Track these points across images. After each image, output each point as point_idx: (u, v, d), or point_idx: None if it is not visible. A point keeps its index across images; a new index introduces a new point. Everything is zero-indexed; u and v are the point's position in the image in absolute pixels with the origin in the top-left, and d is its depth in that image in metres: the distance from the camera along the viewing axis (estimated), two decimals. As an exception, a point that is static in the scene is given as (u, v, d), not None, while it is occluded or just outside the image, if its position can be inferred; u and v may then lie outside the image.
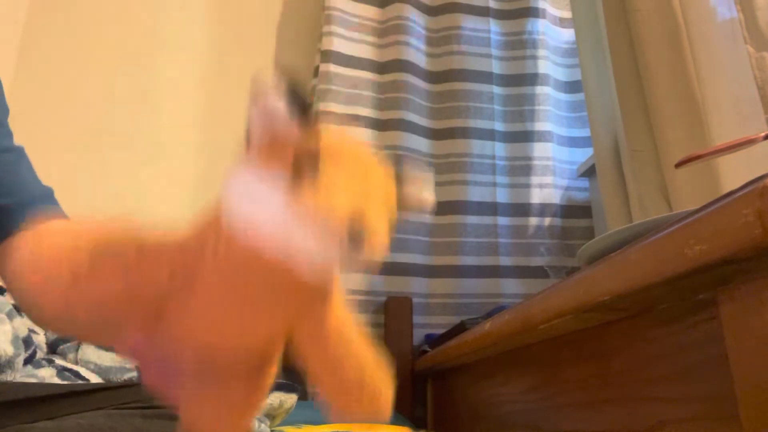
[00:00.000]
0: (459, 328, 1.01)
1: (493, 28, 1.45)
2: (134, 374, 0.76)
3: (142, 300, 0.23)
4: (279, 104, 0.19)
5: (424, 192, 0.23)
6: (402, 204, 0.23)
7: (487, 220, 1.32)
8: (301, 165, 0.20)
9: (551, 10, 1.50)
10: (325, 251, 0.19)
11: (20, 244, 0.51)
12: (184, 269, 0.22)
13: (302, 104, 0.20)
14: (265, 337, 0.24)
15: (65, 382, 0.69)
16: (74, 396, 0.50)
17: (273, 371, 0.27)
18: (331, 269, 0.21)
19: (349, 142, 0.22)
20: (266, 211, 0.20)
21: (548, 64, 1.43)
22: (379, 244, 0.20)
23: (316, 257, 0.20)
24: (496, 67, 1.42)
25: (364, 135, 1.32)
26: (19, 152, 0.59)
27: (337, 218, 0.19)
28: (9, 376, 0.65)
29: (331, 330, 0.24)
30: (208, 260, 0.22)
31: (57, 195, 0.62)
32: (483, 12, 1.45)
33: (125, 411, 0.47)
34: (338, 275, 0.22)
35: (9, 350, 0.62)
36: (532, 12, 1.45)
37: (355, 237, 0.19)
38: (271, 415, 0.79)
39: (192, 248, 0.22)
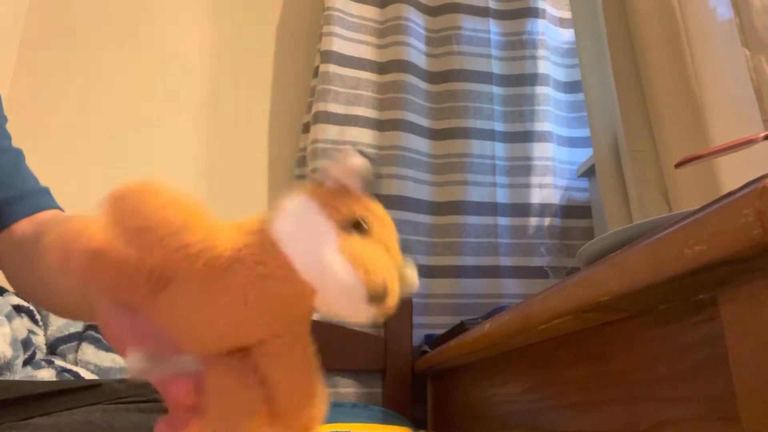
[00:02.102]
0: (459, 329, 1.01)
1: (493, 28, 1.45)
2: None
3: (152, 267, 0.25)
4: (356, 166, 0.24)
5: (412, 273, 0.27)
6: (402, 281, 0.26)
7: (487, 220, 1.32)
8: (351, 223, 0.24)
9: (551, 11, 1.50)
10: (352, 295, 0.23)
11: (18, 232, 0.53)
12: (218, 258, 0.24)
13: (371, 180, 0.24)
14: (242, 341, 0.26)
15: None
16: (70, 392, 0.50)
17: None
18: (348, 309, 0.24)
19: (387, 218, 0.26)
20: (315, 241, 0.23)
21: (548, 65, 1.43)
22: (391, 308, 0.23)
23: (343, 295, 0.23)
24: (495, 68, 1.42)
25: (363, 135, 1.32)
26: (17, 153, 0.61)
27: (371, 277, 0.22)
28: (8, 378, 0.65)
29: (299, 355, 0.27)
30: (245, 260, 0.24)
31: (58, 187, 0.62)
32: (483, 12, 1.45)
33: (121, 405, 0.48)
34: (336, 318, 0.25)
35: (8, 352, 0.62)
36: (532, 12, 1.45)
37: (376, 297, 0.23)
38: (270, 416, 0.79)
39: (225, 244, 0.25)
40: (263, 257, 0.24)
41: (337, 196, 0.24)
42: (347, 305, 0.23)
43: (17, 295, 0.83)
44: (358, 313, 0.23)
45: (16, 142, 0.64)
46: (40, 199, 0.58)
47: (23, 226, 0.54)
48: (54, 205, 0.58)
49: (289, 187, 0.25)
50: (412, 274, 0.27)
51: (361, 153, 0.25)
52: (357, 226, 0.24)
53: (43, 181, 0.62)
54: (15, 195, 0.55)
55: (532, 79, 1.41)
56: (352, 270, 0.22)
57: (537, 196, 1.34)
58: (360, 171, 0.24)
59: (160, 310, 0.26)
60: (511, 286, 1.29)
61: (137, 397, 0.49)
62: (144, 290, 0.26)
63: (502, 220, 1.33)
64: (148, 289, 0.26)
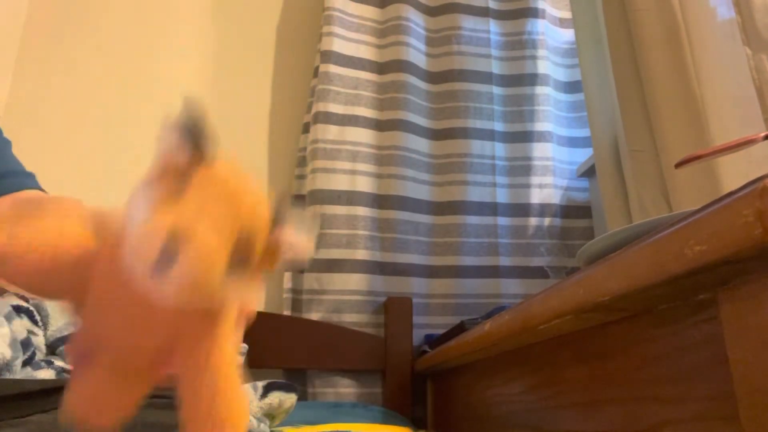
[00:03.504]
0: (459, 329, 1.01)
1: (493, 28, 1.45)
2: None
3: (65, 281, 0.26)
4: (174, 136, 0.23)
5: (301, 236, 0.25)
6: (276, 242, 0.25)
7: (487, 220, 1.32)
8: (174, 187, 0.22)
9: (551, 11, 1.50)
10: (143, 262, 0.22)
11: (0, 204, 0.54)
12: (92, 266, 0.25)
13: (198, 135, 0.23)
14: (145, 345, 0.26)
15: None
16: None
17: (161, 375, 0.28)
18: (154, 279, 0.22)
19: (230, 173, 0.24)
20: (132, 226, 0.22)
21: (548, 65, 1.43)
22: (199, 264, 0.21)
23: (138, 267, 0.22)
24: (495, 68, 1.42)
25: (363, 135, 1.32)
26: (6, 142, 0.62)
27: (156, 233, 0.21)
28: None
29: (213, 363, 0.26)
30: (96, 265, 0.25)
31: (58, 188, 0.63)
32: (483, 12, 1.45)
33: None
34: (171, 289, 0.23)
35: (7, 353, 0.62)
36: (532, 12, 1.45)
37: (169, 253, 0.21)
38: (270, 415, 0.79)
39: (97, 252, 0.25)
40: (117, 252, 0.24)
41: (169, 171, 0.23)
42: (141, 274, 0.22)
43: (17, 295, 0.83)
44: (155, 279, 0.22)
45: (15, 142, 0.65)
46: (23, 179, 0.59)
47: (4, 201, 0.55)
48: (37, 187, 0.60)
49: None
50: (300, 236, 0.25)
51: (188, 120, 0.23)
52: (170, 192, 0.23)
53: (41, 179, 0.63)
54: (1, 172, 0.57)
55: (532, 79, 1.41)
56: (144, 235, 0.22)
57: (537, 196, 1.34)
58: (184, 141, 0.23)
59: (83, 321, 0.27)
60: (511, 286, 1.29)
61: None
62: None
63: (502, 220, 1.33)
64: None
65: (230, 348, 0.27)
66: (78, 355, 0.28)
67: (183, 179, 0.23)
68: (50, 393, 0.50)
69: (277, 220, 0.25)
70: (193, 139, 0.23)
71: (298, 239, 0.25)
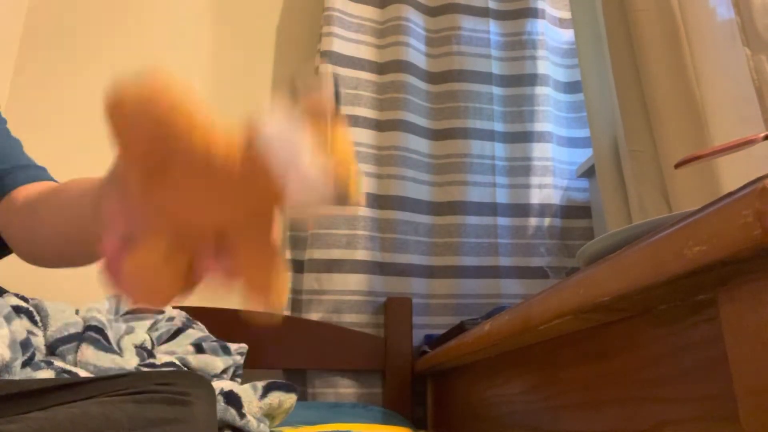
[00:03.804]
0: (458, 329, 1.01)
1: (493, 28, 1.45)
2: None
3: (138, 155, 0.28)
4: (323, 88, 0.28)
5: (360, 190, 0.31)
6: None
7: (486, 220, 1.32)
8: (327, 128, 0.28)
9: (551, 11, 1.50)
10: (316, 185, 0.26)
11: (20, 198, 0.55)
12: (200, 149, 0.28)
13: (336, 95, 0.28)
14: (227, 221, 0.30)
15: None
16: (67, 388, 0.51)
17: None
18: (311, 199, 0.27)
19: (349, 138, 0.30)
20: (289, 142, 0.27)
21: (548, 65, 1.43)
22: (354, 197, 0.27)
23: (306, 186, 0.27)
24: (495, 68, 1.42)
25: (362, 135, 1.32)
26: (16, 141, 0.65)
27: (334, 169, 0.27)
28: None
29: (268, 235, 0.30)
30: (229, 154, 0.28)
31: None
32: (482, 12, 1.45)
33: (116, 398, 0.48)
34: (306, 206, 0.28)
35: (6, 354, 0.62)
36: (532, 12, 1.45)
37: (339, 186, 0.27)
38: (270, 415, 0.79)
39: (217, 138, 0.28)
40: (249, 155, 0.27)
41: (311, 113, 0.28)
42: (315, 201, 0.27)
43: (16, 295, 0.83)
44: (321, 208, 0.27)
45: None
46: (41, 172, 0.61)
47: (26, 191, 0.56)
48: (53, 180, 0.61)
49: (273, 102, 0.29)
50: (359, 190, 0.31)
51: (334, 79, 0.29)
52: (321, 131, 0.27)
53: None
54: (14, 165, 0.59)
55: (532, 79, 1.41)
56: (322, 171, 0.26)
57: (537, 197, 1.34)
58: (332, 96, 0.28)
59: (151, 190, 0.29)
60: (511, 287, 1.29)
61: (133, 389, 0.49)
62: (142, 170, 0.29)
63: (502, 221, 1.33)
64: (144, 172, 0.29)
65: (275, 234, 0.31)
66: (130, 230, 0.29)
67: (324, 121, 0.28)
68: (49, 392, 0.50)
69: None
70: (335, 95, 0.28)
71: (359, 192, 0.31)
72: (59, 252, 0.52)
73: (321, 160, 0.27)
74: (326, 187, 0.27)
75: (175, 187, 0.28)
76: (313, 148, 0.27)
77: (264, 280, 0.30)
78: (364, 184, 0.32)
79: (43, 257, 0.54)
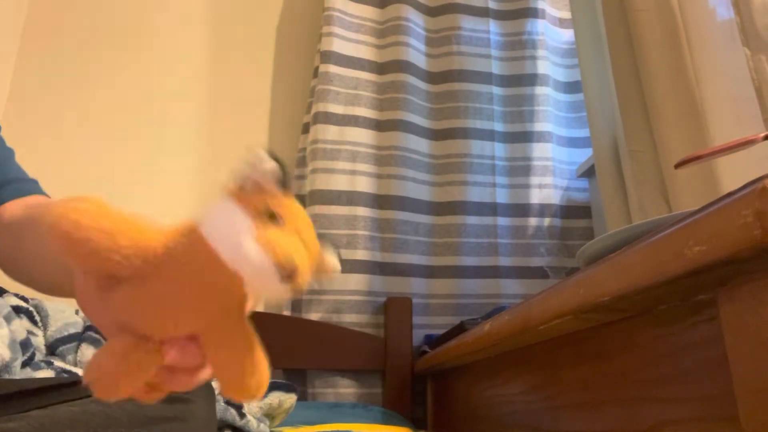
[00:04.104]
0: (458, 329, 1.01)
1: (493, 28, 1.45)
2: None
3: (106, 265, 0.29)
4: (268, 169, 0.28)
5: (333, 259, 0.32)
6: (320, 265, 0.31)
7: (486, 220, 1.32)
8: (267, 215, 0.27)
9: (551, 11, 1.50)
10: (265, 275, 0.26)
11: (7, 214, 0.55)
12: (153, 257, 0.28)
13: (283, 176, 0.28)
14: (193, 326, 0.30)
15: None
16: (67, 387, 0.51)
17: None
18: (265, 288, 0.27)
19: (302, 212, 0.30)
20: (234, 233, 0.27)
21: (548, 65, 1.43)
22: (302, 285, 0.27)
23: (258, 276, 0.27)
24: (495, 68, 1.42)
25: (362, 135, 1.32)
26: (9, 150, 0.63)
27: (280, 257, 0.26)
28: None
29: (239, 340, 0.31)
30: (177, 257, 0.28)
31: (57, 189, 0.64)
32: (482, 12, 1.45)
33: None
34: (278, 296, 0.28)
35: (6, 354, 0.62)
36: (532, 12, 1.45)
37: (286, 275, 0.26)
38: (270, 415, 0.79)
39: (165, 244, 0.29)
40: (193, 253, 0.28)
41: (254, 195, 0.28)
42: (263, 284, 0.27)
43: (16, 295, 0.83)
44: (274, 291, 0.27)
45: (15, 143, 0.65)
46: (29, 185, 0.61)
47: (12, 208, 0.56)
48: (43, 193, 0.61)
49: (214, 193, 0.29)
50: (333, 259, 0.32)
51: (272, 156, 0.28)
52: (271, 217, 0.27)
53: (41, 180, 0.63)
54: (3, 180, 0.58)
55: (532, 79, 1.41)
56: (263, 252, 0.26)
57: (537, 197, 1.34)
58: (272, 172, 0.28)
59: (118, 301, 0.30)
60: (511, 286, 1.29)
61: None
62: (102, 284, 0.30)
63: (502, 221, 1.33)
64: (101, 287, 0.30)
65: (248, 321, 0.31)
66: (113, 327, 0.30)
67: (268, 204, 0.28)
68: (48, 390, 0.51)
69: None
70: (281, 171, 0.28)
71: (333, 262, 0.32)
72: (48, 281, 0.51)
73: (263, 241, 0.27)
74: (270, 267, 0.26)
75: (132, 295, 0.29)
76: (255, 232, 0.27)
77: (238, 374, 0.31)
78: (332, 254, 0.32)
79: (30, 281, 0.54)
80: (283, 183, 0.28)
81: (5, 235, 0.55)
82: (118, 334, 0.30)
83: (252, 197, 0.28)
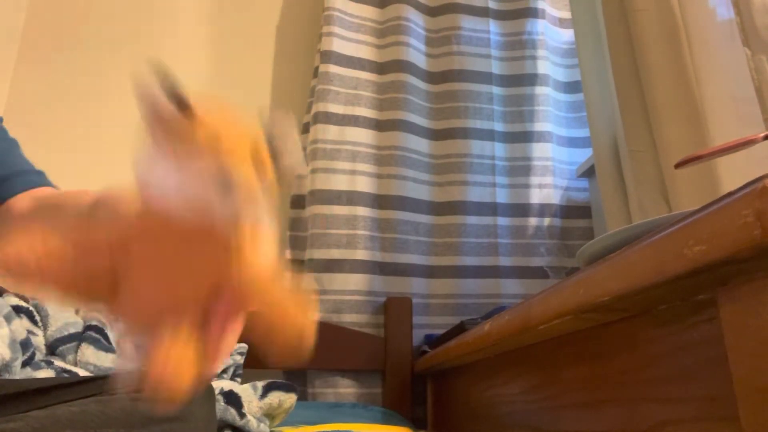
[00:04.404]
0: (458, 329, 1.01)
1: (493, 28, 1.45)
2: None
3: (96, 279, 0.27)
4: (158, 96, 0.25)
5: (291, 150, 0.28)
6: (274, 159, 0.27)
7: (486, 220, 1.32)
8: (183, 136, 0.25)
9: (551, 11, 1.50)
10: (206, 197, 0.24)
11: (16, 207, 0.54)
12: (120, 245, 0.27)
13: (174, 89, 0.25)
14: (202, 286, 0.27)
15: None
16: (66, 387, 0.51)
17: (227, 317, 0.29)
18: (217, 211, 0.25)
19: (220, 112, 0.27)
20: (161, 177, 0.25)
21: (548, 65, 1.43)
22: (248, 191, 0.24)
23: (201, 204, 0.24)
24: (495, 68, 1.42)
25: (363, 135, 1.32)
26: (12, 141, 0.63)
27: (208, 171, 0.24)
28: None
29: (252, 276, 0.27)
30: (134, 232, 0.26)
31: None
32: (482, 12, 1.45)
33: (116, 396, 0.48)
34: (232, 219, 0.25)
35: (6, 354, 0.62)
36: (532, 12, 1.45)
37: (226, 184, 0.24)
38: (270, 415, 0.79)
39: (121, 223, 0.27)
40: (143, 219, 0.26)
41: (161, 131, 0.26)
42: (204, 210, 0.24)
43: (16, 295, 0.83)
44: (217, 211, 0.24)
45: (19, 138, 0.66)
46: (36, 177, 0.60)
47: (20, 202, 0.55)
48: (49, 184, 0.60)
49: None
50: (288, 145, 0.28)
51: (157, 69, 0.25)
52: (181, 140, 0.25)
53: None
54: (10, 172, 0.58)
55: (532, 79, 1.41)
56: (189, 180, 0.24)
57: (537, 196, 1.34)
58: (168, 87, 0.25)
59: (131, 294, 0.28)
60: (511, 286, 1.29)
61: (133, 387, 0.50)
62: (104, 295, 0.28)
63: (502, 220, 1.33)
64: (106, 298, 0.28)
65: (265, 258, 0.28)
66: (142, 330, 0.28)
67: (180, 129, 0.25)
68: (48, 391, 0.51)
69: (269, 139, 0.28)
70: (173, 92, 0.25)
71: (290, 153, 0.28)
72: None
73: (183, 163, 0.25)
74: (212, 190, 0.24)
75: (132, 284, 0.27)
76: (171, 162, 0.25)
77: (290, 321, 0.28)
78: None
79: None
80: (176, 95, 0.26)
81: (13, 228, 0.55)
82: (159, 325, 0.27)
83: (162, 126, 0.26)
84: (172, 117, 0.25)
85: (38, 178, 0.61)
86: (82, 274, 0.27)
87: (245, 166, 0.25)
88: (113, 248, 0.27)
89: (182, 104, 0.26)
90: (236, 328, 0.28)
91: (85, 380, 0.53)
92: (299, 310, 0.28)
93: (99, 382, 0.52)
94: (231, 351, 0.28)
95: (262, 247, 0.27)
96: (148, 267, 0.27)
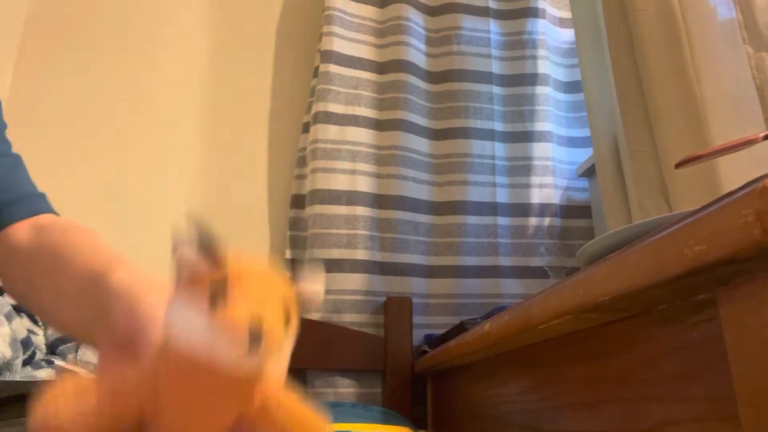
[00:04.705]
0: (458, 329, 1.01)
1: (493, 28, 1.45)
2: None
3: (126, 418, 0.29)
4: (192, 249, 0.27)
5: (315, 287, 0.31)
6: (300, 300, 0.30)
7: (486, 220, 1.32)
8: (216, 290, 0.27)
9: (551, 11, 1.50)
10: (237, 350, 0.26)
11: (16, 235, 0.53)
12: (151, 392, 0.29)
13: (209, 244, 0.27)
14: (223, 424, 0.30)
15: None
16: None
17: None
18: (247, 362, 0.27)
19: (251, 263, 0.29)
20: (193, 329, 0.27)
21: (548, 64, 1.43)
22: (275, 340, 0.27)
23: (232, 356, 0.26)
24: (495, 68, 1.42)
25: (363, 135, 1.32)
26: (16, 158, 0.62)
27: (239, 326, 0.26)
28: (7, 378, 0.65)
29: (270, 408, 0.30)
30: (163, 377, 0.29)
31: (57, 191, 0.63)
32: (483, 12, 1.45)
33: None
34: (260, 366, 0.28)
35: (7, 353, 0.62)
36: (532, 12, 1.45)
37: (255, 337, 0.26)
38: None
39: (151, 371, 0.29)
40: (171, 365, 0.28)
41: (192, 281, 0.27)
42: (236, 361, 0.26)
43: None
44: (247, 362, 0.26)
45: (15, 143, 0.65)
46: (37, 202, 0.58)
47: (20, 229, 0.54)
48: (51, 210, 0.59)
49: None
50: (313, 284, 0.31)
51: (195, 227, 0.27)
52: (218, 291, 0.27)
53: (41, 186, 0.62)
54: (11, 197, 0.56)
55: (532, 79, 1.41)
56: (219, 331, 0.26)
57: (537, 196, 1.34)
58: (200, 247, 0.27)
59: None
60: (511, 286, 1.29)
61: None
62: None
63: (502, 220, 1.33)
64: None
65: (283, 392, 0.31)
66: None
67: (213, 283, 0.27)
68: None
69: (295, 281, 0.30)
70: (208, 247, 0.27)
71: (313, 289, 0.31)
72: (60, 318, 0.49)
73: (215, 321, 0.26)
74: (233, 343, 0.26)
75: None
76: (203, 317, 0.27)
77: None
78: (312, 277, 0.31)
79: (42, 314, 0.53)
80: (210, 250, 0.27)
81: (14, 258, 0.53)
82: None
83: (196, 280, 0.27)
84: (205, 271, 0.27)
85: (39, 204, 0.58)
86: (114, 417, 0.29)
87: (273, 317, 0.27)
88: (142, 386, 0.29)
89: (214, 256, 0.28)
90: None
91: None
92: (314, 422, 0.32)
93: None
94: None
95: (279, 379, 0.31)
96: (176, 404, 0.29)
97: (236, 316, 0.26)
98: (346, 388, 1.18)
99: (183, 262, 0.28)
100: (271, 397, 0.30)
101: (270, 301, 0.28)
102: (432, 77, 1.41)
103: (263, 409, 0.30)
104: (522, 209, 1.34)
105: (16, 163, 0.61)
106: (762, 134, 0.49)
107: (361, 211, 1.26)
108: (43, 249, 0.50)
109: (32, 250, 0.51)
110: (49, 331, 0.81)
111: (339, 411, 1.04)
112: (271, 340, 0.26)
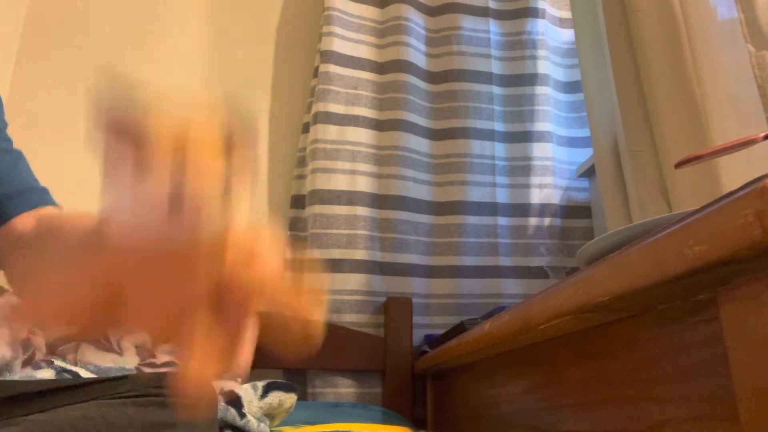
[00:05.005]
0: (458, 329, 1.01)
1: (493, 28, 1.45)
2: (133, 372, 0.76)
3: (105, 309, 0.27)
4: (108, 109, 0.24)
5: (248, 135, 0.27)
6: (232, 153, 0.26)
7: (486, 220, 1.32)
8: (137, 163, 0.24)
9: (551, 11, 1.50)
10: (159, 220, 0.23)
11: (19, 227, 0.54)
12: (112, 272, 0.26)
13: (127, 100, 0.24)
14: (193, 295, 0.26)
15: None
16: (67, 390, 0.51)
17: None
18: (177, 228, 0.23)
19: (172, 119, 0.25)
20: (120, 209, 0.24)
21: (548, 65, 1.43)
22: (202, 198, 0.23)
23: (161, 227, 0.23)
24: (495, 68, 1.42)
25: (363, 135, 1.32)
26: (17, 154, 0.62)
27: (159, 192, 0.23)
28: (7, 379, 0.65)
29: (251, 275, 0.26)
30: (118, 259, 0.26)
31: (58, 189, 0.63)
32: (482, 12, 1.45)
33: (116, 400, 0.48)
34: (194, 229, 0.24)
35: (7, 353, 0.62)
36: (532, 12, 1.45)
37: (177, 201, 0.23)
38: (270, 415, 0.79)
39: (107, 253, 0.26)
40: (111, 246, 0.25)
41: (116, 147, 0.25)
42: (164, 231, 0.24)
43: (17, 295, 0.83)
44: (177, 228, 0.23)
45: (15, 143, 0.65)
46: (40, 196, 0.59)
47: (23, 221, 0.55)
48: (53, 203, 0.59)
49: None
50: (243, 137, 0.27)
51: (110, 87, 0.24)
52: (144, 155, 0.24)
53: (43, 182, 0.63)
54: (14, 191, 0.57)
55: (532, 79, 1.41)
56: (145, 200, 0.23)
57: (537, 196, 1.34)
58: (114, 108, 0.24)
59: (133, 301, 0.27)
60: (511, 286, 1.29)
61: (134, 392, 0.49)
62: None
63: (502, 220, 1.33)
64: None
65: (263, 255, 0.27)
66: (162, 341, 0.28)
67: (135, 139, 0.24)
68: (48, 393, 0.50)
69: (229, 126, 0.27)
70: (124, 102, 0.24)
71: (245, 137, 0.27)
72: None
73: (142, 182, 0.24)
74: (164, 209, 0.23)
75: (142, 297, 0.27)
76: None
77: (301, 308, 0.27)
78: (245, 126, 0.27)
79: None
80: (129, 118, 0.24)
81: (18, 250, 0.53)
82: (176, 331, 0.27)
83: (120, 149, 0.25)
84: (126, 127, 0.24)
85: (42, 197, 0.59)
86: (92, 310, 0.27)
87: (199, 175, 0.24)
88: (109, 277, 0.27)
89: (135, 111, 0.25)
90: (252, 325, 0.28)
91: (86, 383, 0.53)
92: (306, 307, 0.28)
93: (102, 386, 0.52)
94: (253, 345, 0.27)
95: (259, 245, 0.27)
96: (144, 286, 0.26)
97: (153, 186, 0.23)
98: (346, 389, 1.18)
99: (101, 125, 0.25)
100: (249, 276, 0.26)
101: (194, 159, 0.24)
102: (432, 77, 1.41)
103: (242, 287, 0.26)
104: (522, 209, 1.34)
105: (17, 157, 0.62)
106: (762, 134, 0.49)
107: (361, 211, 1.26)
108: (47, 231, 0.51)
109: (38, 234, 0.52)
110: (49, 332, 0.81)
111: (339, 411, 1.04)
112: (197, 200, 0.24)
